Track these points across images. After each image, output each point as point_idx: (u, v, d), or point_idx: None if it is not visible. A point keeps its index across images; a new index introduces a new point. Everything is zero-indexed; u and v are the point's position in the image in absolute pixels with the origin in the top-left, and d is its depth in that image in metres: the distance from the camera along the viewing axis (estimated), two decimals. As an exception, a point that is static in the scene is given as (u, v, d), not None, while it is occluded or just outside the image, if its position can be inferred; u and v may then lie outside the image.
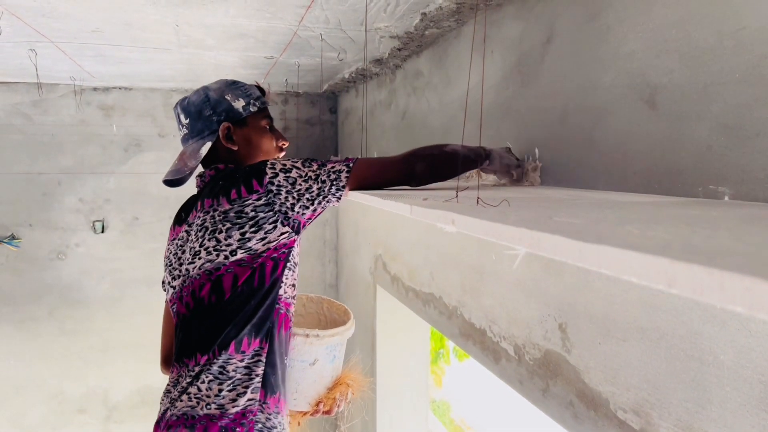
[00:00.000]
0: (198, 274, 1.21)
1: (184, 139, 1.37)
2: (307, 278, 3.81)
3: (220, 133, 1.31)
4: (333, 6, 1.63)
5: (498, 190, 1.16)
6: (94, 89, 3.30)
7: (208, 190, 1.26)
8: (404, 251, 2.38)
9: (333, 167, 1.17)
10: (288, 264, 1.22)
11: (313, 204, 1.17)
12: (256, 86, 1.41)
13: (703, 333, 0.93)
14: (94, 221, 3.40)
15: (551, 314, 1.33)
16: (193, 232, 1.25)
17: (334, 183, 1.15)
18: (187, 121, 1.34)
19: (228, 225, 1.17)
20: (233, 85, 1.36)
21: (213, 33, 1.95)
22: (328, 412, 1.45)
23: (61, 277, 3.39)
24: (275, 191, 1.15)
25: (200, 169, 1.36)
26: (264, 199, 1.15)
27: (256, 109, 1.36)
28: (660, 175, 1.01)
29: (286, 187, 1.15)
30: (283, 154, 1.43)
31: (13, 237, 3.26)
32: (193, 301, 1.22)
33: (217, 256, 1.18)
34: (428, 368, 3.15)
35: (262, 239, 1.17)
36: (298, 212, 1.17)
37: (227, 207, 1.18)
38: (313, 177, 1.16)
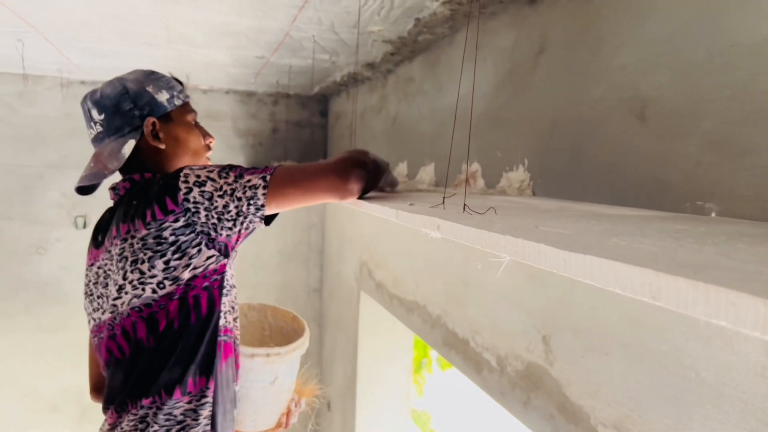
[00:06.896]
0: (127, 312, 1.08)
1: (98, 139, 1.21)
2: (291, 282, 3.77)
3: (145, 129, 1.16)
4: (326, 7, 1.62)
5: (486, 199, 1.15)
6: (82, 82, 3.25)
7: (123, 211, 1.11)
8: (390, 258, 2.36)
9: (249, 181, 1.01)
10: (224, 290, 1.10)
11: (236, 226, 1.03)
12: (173, 78, 1.26)
13: (686, 349, 0.92)
14: (77, 216, 3.35)
15: (535, 326, 1.32)
16: (113, 262, 1.10)
17: (251, 202, 1.00)
18: (102, 117, 1.17)
19: (149, 253, 1.03)
20: (152, 76, 1.20)
21: (203, 29, 1.93)
22: (285, 425, 1.40)
23: (39, 273, 3.33)
24: (193, 209, 1.01)
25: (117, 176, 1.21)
26: (182, 219, 1.01)
27: (180, 102, 1.21)
28: (648, 189, 1.01)
29: (204, 203, 1.01)
30: (210, 152, 1.29)
31: (-9, 229, 3.19)
32: (128, 345, 1.09)
33: (143, 290, 1.05)
34: (410, 377, 3.13)
35: (188, 266, 1.03)
36: (221, 234, 1.03)
37: (144, 232, 1.03)
38: (229, 192, 1.01)
